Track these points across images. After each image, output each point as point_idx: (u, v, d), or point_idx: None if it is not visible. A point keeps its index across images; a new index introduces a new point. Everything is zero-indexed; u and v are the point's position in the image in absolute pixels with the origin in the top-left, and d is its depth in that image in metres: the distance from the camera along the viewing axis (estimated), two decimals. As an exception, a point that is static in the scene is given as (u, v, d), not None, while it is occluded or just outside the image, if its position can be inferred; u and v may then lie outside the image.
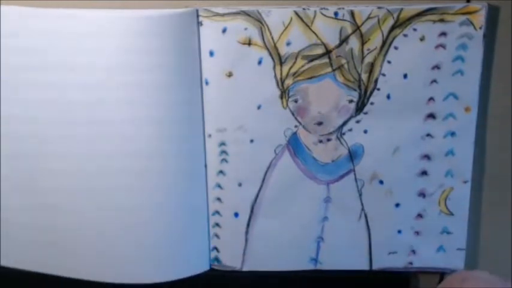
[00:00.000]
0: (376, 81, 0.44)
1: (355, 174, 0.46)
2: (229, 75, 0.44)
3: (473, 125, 0.44)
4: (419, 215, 0.46)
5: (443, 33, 0.42)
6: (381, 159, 0.45)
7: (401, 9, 0.42)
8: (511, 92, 0.44)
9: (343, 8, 0.42)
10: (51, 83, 0.44)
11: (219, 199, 0.47)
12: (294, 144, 0.46)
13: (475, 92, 0.43)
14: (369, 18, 0.42)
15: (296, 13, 0.43)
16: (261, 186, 0.47)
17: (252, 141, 0.46)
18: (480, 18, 0.42)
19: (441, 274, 0.48)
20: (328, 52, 0.43)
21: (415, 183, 0.46)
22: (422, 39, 0.42)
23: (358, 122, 0.45)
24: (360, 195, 0.46)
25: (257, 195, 0.47)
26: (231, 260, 0.49)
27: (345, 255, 0.48)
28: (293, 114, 0.45)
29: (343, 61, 0.43)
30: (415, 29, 0.42)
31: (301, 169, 0.46)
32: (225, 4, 0.43)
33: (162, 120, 0.44)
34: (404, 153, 0.45)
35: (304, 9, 0.42)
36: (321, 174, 0.46)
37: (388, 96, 0.44)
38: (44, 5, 0.43)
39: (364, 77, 0.44)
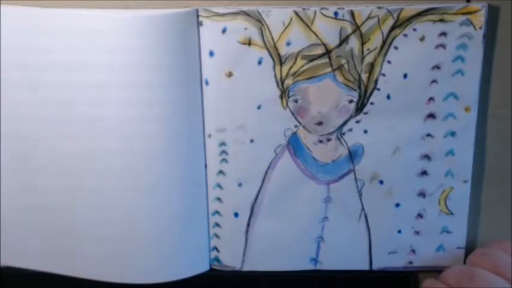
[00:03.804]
0: (376, 81, 0.44)
1: (355, 174, 0.46)
2: (229, 75, 0.44)
3: (473, 125, 0.44)
4: (419, 215, 0.46)
5: (443, 33, 0.42)
6: (381, 159, 0.45)
7: (401, 9, 0.42)
8: (511, 92, 0.44)
9: (343, 8, 0.42)
10: (51, 83, 0.44)
11: (219, 199, 0.47)
12: (294, 144, 0.46)
13: (475, 92, 0.43)
14: (369, 18, 0.42)
15: (296, 13, 0.43)
16: (261, 186, 0.47)
17: (252, 141, 0.46)
18: (480, 19, 0.42)
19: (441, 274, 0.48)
20: (328, 52, 0.43)
21: (415, 183, 0.46)
22: (422, 39, 0.42)
23: (358, 122, 0.45)
24: (360, 195, 0.46)
25: (257, 195, 0.47)
26: (231, 260, 0.49)
27: (345, 255, 0.48)
28: (293, 114, 0.45)
29: (343, 61, 0.43)
30: (415, 29, 0.42)
31: (301, 169, 0.46)
32: (225, 4, 0.43)
33: (162, 120, 0.44)
34: (404, 153, 0.45)
35: (304, 9, 0.42)
36: (321, 174, 0.46)
37: (388, 96, 0.44)
38: (44, 5, 0.43)
39: (364, 77, 0.44)
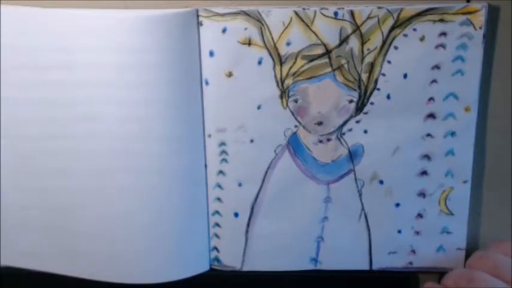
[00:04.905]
0: (376, 81, 0.44)
1: (355, 174, 0.46)
2: (229, 75, 0.44)
3: (473, 125, 0.44)
4: (419, 215, 0.46)
5: (443, 33, 0.42)
6: (381, 159, 0.45)
7: (402, 9, 0.42)
8: (511, 92, 0.44)
9: (343, 8, 0.42)
10: (51, 83, 0.44)
11: (219, 199, 0.47)
12: (294, 144, 0.46)
13: (475, 92, 0.43)
14: (368, 18, 0.42)
15: (296, 13, 0.43)
16: (261, 186, 0.47)
17: (252, 141, 0.46)
18: (480, 18, 0.42)
19: (441, 274, 0.48)
20: (328, 52, 0.43)
21: (415, 183, 0.46)
22: (422, 39, 0.42)
23: (358, 122, 0.45)
24: (360, 195, 0.46)
25: (257, 195, 0.47)
26: (231, 260, 0.49)
27: (345, 255, 0.48)
28: (293, 114, 0.45)
29: (343, 61, 0.43)
30: (415, 29, 0.42)
31: (301, 169, 0.46)
32: (225, 4, 0.43)
33: (162, 120, 0.44)
34: (405, 153, 0.45)
35: (304, 9, 0.42)
36: (321, 174, 0.46)
37: (388, 96, 0.44)
38: (44, 5, 0.43)
39: (364, 77, 0.44)
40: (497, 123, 0.45)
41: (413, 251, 0.47)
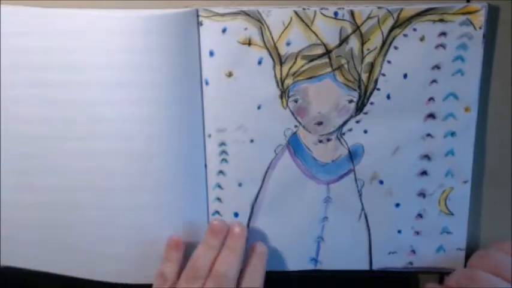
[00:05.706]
0: (376, 81, 0.44)
1: (355, 174, 0.46)
2: (229, 75, 0.44)
3: (473, 125, 0.44)
4: (419, 215, 0.46)
5: (443, 33, 0.42)
6: (381, 159, 0.45)
7: (402, 9, 0.42)
8: (511, 92, 0.44)
9: (343, 8, 0.42)
10: (51, 83, 0.44)
11: (219, 199, 0.47)
12: (294, 144, 0.46)
13: (475, 92, 0.43)
14: (368, 18, 0.42)
15: (296, 13, 0.43)
16: (261, 186, 0.47)
17: (252, 141, 0.46)
18: (480, 18, 0.42)
19: (441, 274, 0.48)
20: (328, 52, 0.43)
21: (415, 183, 0.46)
22: (422, 39, 0.42)
23: (358, 122, 0.45)
24: (360, 195, 0.46)
25: (257, 195, 0.47)
26: (231, 260, 0.49)
27: (345, 255, 0.48)
28: (293, 114, 0.45)
29: (343, 61, 0.43)
30: (415, 29, 0.42)
31: (301, 169, 0.46)
32: (225, 4, 0.43)
33: (162, 120, 0.44)
34: (404, 153, 0.45)
35: (304, 9, 0.43)
36: (321, 174, 0.46)
37: (388, 96, 0.44)
38: (44, 5, 0.43)
39: (364, 77, 0.44)
40: (497, 123, 0.45)
41: (413, 251, 0.47)
